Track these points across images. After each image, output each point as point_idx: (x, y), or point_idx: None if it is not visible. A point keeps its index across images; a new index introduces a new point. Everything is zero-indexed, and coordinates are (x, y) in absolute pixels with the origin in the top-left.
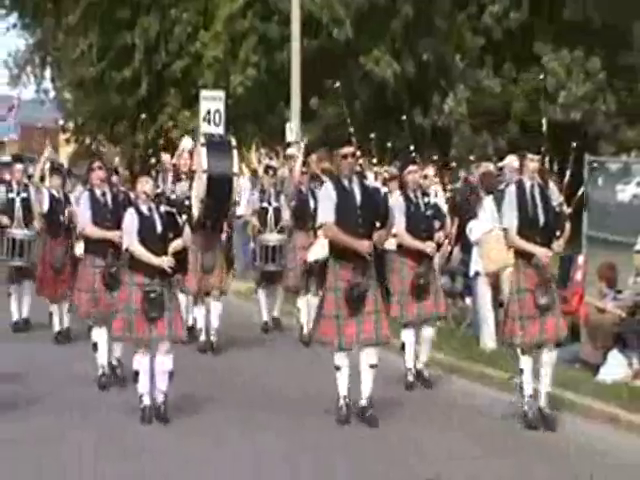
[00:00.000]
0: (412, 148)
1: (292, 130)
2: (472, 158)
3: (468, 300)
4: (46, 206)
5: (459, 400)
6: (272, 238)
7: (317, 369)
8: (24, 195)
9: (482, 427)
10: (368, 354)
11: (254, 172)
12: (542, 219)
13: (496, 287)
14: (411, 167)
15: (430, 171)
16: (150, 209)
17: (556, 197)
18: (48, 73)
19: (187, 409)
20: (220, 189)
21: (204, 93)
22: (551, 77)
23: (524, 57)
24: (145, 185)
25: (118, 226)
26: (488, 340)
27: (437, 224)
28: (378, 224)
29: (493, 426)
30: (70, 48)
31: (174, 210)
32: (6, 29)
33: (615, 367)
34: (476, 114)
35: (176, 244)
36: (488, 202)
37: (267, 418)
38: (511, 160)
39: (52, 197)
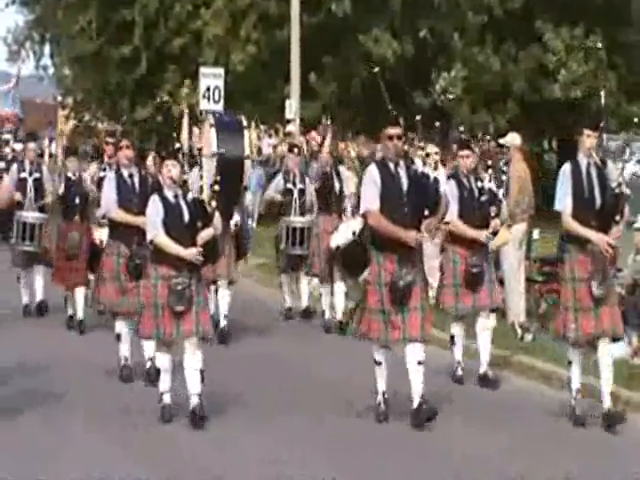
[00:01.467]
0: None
1: (292, 107)
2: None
3: None
4: (62, 189)
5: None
6: (297, 220)
7: (343, 357)
8: (37, 175)
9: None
10: (415, 351)
11: (259, 150)
12: (599, 201)
13: (496, 263)
14: (463, 152)
15: (433, 149)
16: (176, 196)
17: (614, 177)
18: (47, 49)
19: (212, 406)
20: (231, 172)
21: (204, 70)
22: (552, 55)
23: (525, 35)
24: (172, 170)
25: (143, 212)
26: None
27: (493, 210)
28: (427, 212)
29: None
30: (69, 24)
31: (203, 197)
32: (5, 5)
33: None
34: (474, 93)
35: (205, 234)
36: (450, 181)
37: (295, 412)
38: (513, 137)
39: (67, 180)
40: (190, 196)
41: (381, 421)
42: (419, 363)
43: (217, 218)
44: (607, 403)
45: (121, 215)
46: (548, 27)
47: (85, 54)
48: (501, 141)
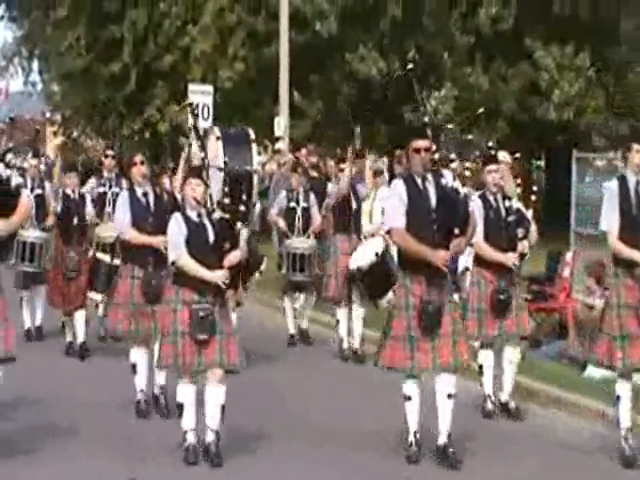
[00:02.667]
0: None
1: (280, 125)
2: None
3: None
4: (59, 207)
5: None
6: (300, 245)
7: (361, 388)
8: (39, 191)
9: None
10: (445, 382)
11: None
12: None
13: None
14: (491, 166)
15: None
16: (200, 215)
17: None
18: (36, 65)
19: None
20: (240, 187)
21: (192, 87)
22: (544, 73)
23: (514, 54)
24: (196, 189)
25: (161, 231)
26: None
27: (521, 232)
28: (457, 231)
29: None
30: (58, 40)
31: (228, 217)
32: None
33: None
34: (465, 112)
35: (232, 256)
36: (475, 199)
37: (309, 450)
38: (503, 156)
39: (66, 197)
40: (216, 215)
41: (412, 462)
42: (449, 396)
43: (243, 239)
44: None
45: (135, 235)
46: (538, 45)
47: (74, 71)
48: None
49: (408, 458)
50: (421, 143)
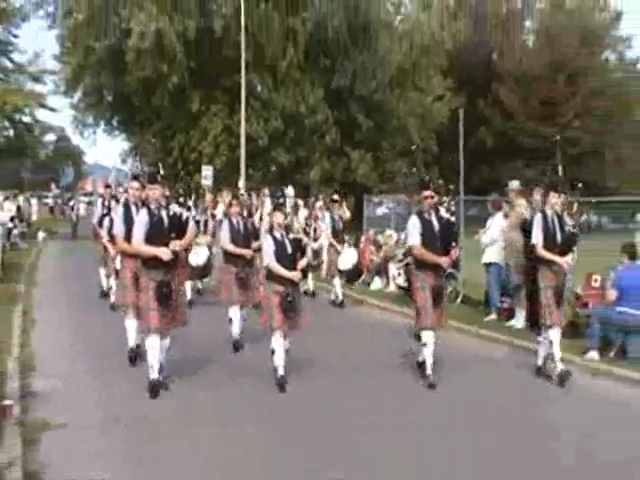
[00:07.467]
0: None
1: (240, 183)
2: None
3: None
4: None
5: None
6: (314, 244)
7: (348, 323)
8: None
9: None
10: (437, 335)
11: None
12: None
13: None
14: (425, 192)
15: (290, 191)
16: (282, 235)
17: None
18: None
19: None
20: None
21: (204, 167)
22: (354, 163)
23: (339, 154)
24: (279, 218)
25: (247, 246)
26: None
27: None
28: (454, 244)
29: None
30: (152, 145)
31: (301, 237)
32: (114, 136)
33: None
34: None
35: (303, 261)
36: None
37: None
38: (345, 208)
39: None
40: (291, 235)
41: (432, 387)
42: (435, 344)
43: (309, 249)
44: None
45: (232, 248)
46: (349, 149)
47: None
48: (335, 197)
49: (429, 384)
50: (428, 192)
